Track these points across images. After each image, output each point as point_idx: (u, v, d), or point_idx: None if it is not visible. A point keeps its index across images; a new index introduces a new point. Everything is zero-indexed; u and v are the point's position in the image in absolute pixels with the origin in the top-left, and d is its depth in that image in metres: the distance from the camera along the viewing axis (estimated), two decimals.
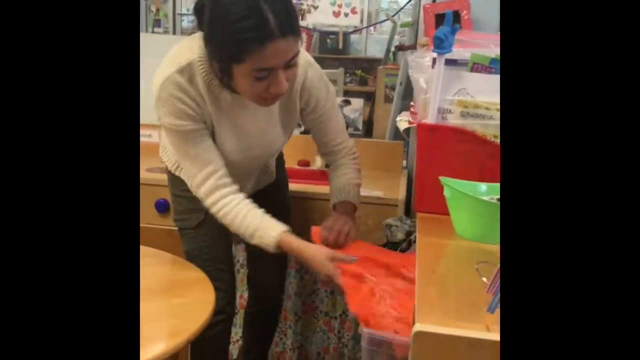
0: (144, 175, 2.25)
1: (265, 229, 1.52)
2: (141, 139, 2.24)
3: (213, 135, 1.56)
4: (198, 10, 1.40)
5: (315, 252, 1.51)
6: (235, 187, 1.57)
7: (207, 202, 1.55)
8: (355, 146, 1.78)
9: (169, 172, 1.79)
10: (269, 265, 1.93)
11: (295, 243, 1.52)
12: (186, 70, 1.46)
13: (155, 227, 2.16)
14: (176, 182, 1.75)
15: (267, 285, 2.02)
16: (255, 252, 1.69)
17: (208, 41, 1.41)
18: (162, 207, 2.16)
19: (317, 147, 1.79)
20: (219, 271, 1.71)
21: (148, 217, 2.17)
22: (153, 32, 3.58)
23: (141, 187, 1.93)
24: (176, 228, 1.78)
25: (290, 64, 1.39)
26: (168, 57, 1.50)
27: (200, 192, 1.55)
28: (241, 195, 1.56)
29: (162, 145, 1.79)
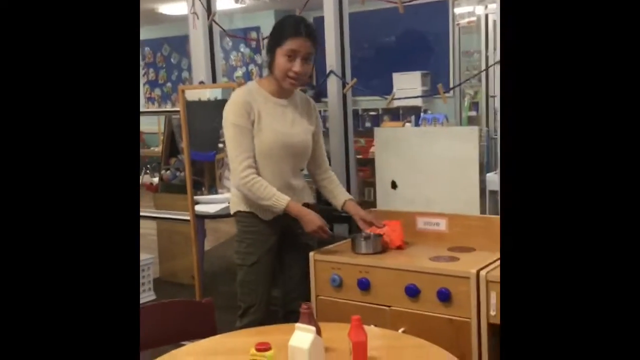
0: (426, 264, 2.22)
1: (280, 195, 2.40)
2: (429, 227, 2.27)
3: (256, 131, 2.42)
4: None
5: (312, 212, 2.47)
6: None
7: (245, 173, 2.39)
8: None
9: (234, 217, 2.55)
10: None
11: (299, 206, 2.46)
12: (245, 90, 2.50)
13: (437, 315, 2.22)
14: (240, 226, 2.53)
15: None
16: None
17: (268, 43, 2.45)
18: (443, 297, 2.19)
19: (313, 170, 2.66)
20: (258, 300, 2.50)
21: (430, 306, 2.23)
22: None
23: (423, 275, 2.25)
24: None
25: (307, 58, 2.40)
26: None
27: (241, 166, 2.40)
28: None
29: (232, 200, 2.57)
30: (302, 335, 1.62)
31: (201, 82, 3.47)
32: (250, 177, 2.41)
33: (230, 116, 2.44)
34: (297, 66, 2.38)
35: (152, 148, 9.64)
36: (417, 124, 6.94)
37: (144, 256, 4.51)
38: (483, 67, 6.56)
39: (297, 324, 1.66)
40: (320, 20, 3.12)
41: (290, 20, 2.45)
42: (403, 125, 6.71)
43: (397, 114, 7.95)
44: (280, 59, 2.39)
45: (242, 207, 2.53)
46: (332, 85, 3.12)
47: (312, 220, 2.43)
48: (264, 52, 2.54)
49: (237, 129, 2.42)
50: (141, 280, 4.41)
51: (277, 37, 2.41)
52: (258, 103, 2.46)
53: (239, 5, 5.17)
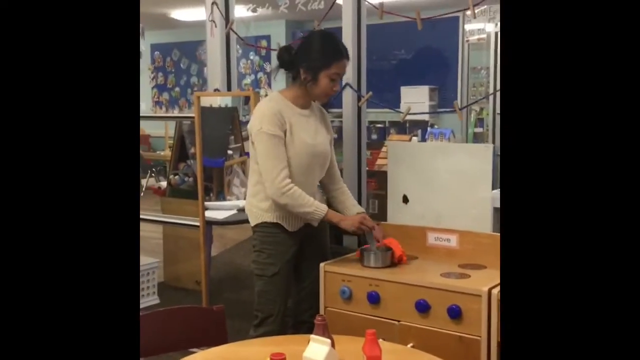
0: (437, 280, 2.23)
1: (319, 203, 2.48)
2: (440, 242, 2.28)
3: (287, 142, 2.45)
4: (289, 63, 2.51)
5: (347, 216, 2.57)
6: None
7: (284, 182, 2.41)
8: None
9: (254, 228, 2.56)
10: None
11: (335, 212, 2.55)
12: (273, 100, 2.52)
13: (447, 332, 2.23)
14: (260, 237, 2.53)
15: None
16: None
17: (307, 62, 2.45)
18: (453, 314, 2.21)
19: (325, 180, 2.66)
20: (276, 311, 2.52)
21: (440, 322, 2.24)
22: None
23: (434, 291, 2.26)
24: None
25: (342, 77, 2.56)
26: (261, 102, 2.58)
27: (280, 176, 2.41)
28: None
29: (248, 210, 2.58)
30: (317, 347, 1.62)
31: (216, 90, 3.49)
32: (289, 186, 2.42)
33: (265, 126, 2.43)
34: (337, 85, 2.48)
35: (158, 152, 9.67)
36: (423, 138, 6.98)
37: (149, 260, 4.51)
38: (491, 83, 6.61)
39: (312, 336, 1.66)
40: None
41: (333, 42, 2.50)
42: (410, 139, 6.73)
43: (404, 127, 7.97)
44: (324, 81, 2.45)
45: (267, 218, 2.53)
46: (347, 97, 3.13)
47: (351, 220, 2.51)
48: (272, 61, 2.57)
49: (274, 139, 2.43)
50: (146, 284, 4.41)
51: (325, 59, 2.44)
52: (287, 114, 2.48)
53: (252, 14, 5.21)
